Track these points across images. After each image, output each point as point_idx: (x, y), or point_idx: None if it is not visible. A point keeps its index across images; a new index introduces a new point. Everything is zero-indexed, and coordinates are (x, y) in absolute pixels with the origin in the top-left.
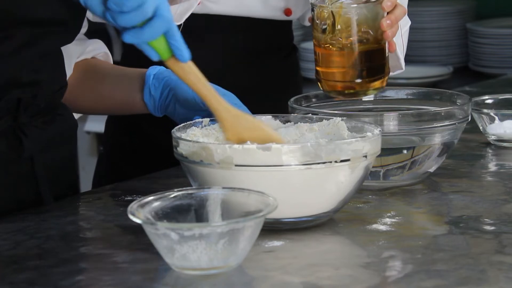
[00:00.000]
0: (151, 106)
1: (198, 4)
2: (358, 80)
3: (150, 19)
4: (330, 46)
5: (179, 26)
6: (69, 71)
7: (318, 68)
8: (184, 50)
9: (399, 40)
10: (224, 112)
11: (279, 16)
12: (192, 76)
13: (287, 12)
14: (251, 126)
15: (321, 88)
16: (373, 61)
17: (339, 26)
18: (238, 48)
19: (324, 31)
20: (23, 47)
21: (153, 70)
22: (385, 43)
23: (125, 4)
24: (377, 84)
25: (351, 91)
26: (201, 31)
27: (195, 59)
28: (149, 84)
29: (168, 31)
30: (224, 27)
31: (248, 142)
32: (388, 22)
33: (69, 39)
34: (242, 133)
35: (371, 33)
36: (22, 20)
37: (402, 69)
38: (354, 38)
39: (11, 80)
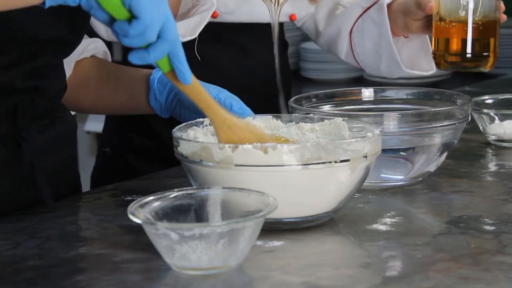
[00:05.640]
0: (158, 109)
1: (216, 17)
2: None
3: (155, 41)
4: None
5: (193, 39)
6: (68, 71)
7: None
8: (186, 73)
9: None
10: (220, 124)
11: (285, 20)
12: (190, 90)
13: (292, 17)
14: (245, 136)
15: (440, 67)
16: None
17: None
18: (247, 47)
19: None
20: (21, 60)
21: (157, 73)
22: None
23: (128, 32)
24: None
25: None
26: (217, 33)
27: (210, 58)
28: (154, 89)
29: (171, 51)
30: (237, 30)
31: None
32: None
33: (69, 53)
34: (236, 142)
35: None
36: (23, 39)
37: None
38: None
39: (7, 87)
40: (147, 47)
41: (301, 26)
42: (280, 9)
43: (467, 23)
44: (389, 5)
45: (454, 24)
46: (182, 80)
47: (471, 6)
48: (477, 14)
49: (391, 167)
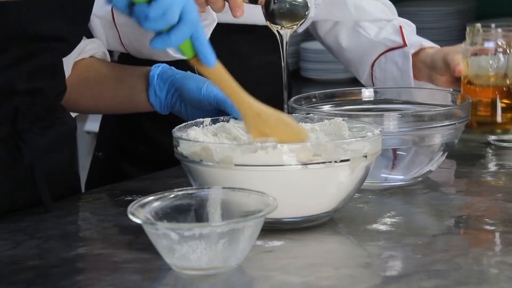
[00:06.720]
0: (157, 105)
1: None
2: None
3: (176, 24)
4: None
5: None
6: (67, 71)
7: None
8: (209, 55)
9: None
10: (247, 110)
11: None
12: (215, 75)
13: None
14: (274, 123)
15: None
16: None
17: None
18: (242, 49)
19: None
20: (21, 60)
21: (156, 69)
22: None
23: (148, 15)
24: None
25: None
26: (212, 38)
27: None
28: (154, 85)
29: (194, 34)
30: (231, 33)
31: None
32: None
33: (69, 52)
34: (265, 130)
35: None
36: (23, 36)
37: None
38: None
39: (7, 88)
40: (169, 30)
41: (322, 42)
42: (290, 33)
43: (495, 87)
44: (416, 54)
45: (483, 87)
46: (207, 63)
47: (499, 70)
48: (506, 78)
49: (391, 167)
